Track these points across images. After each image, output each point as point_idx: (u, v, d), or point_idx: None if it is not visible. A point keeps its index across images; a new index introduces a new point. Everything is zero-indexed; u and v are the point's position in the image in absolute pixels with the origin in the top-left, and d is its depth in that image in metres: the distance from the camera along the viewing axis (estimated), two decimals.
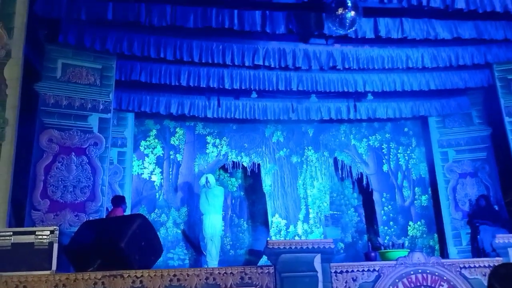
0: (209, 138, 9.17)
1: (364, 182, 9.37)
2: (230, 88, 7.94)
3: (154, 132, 8.91)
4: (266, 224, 8.97)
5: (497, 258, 4.92)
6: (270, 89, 8.12)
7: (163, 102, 8.31)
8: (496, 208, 7.97)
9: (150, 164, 8.70)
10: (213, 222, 7.80)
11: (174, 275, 4.30)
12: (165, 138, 8.97)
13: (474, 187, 8.40)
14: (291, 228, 8.86)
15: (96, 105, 6.93)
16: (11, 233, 4.30)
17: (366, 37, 7.01)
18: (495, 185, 8.33)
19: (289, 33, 6.90)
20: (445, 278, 4.73)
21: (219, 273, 4.50)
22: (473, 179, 8.46)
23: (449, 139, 8.79)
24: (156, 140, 8.88)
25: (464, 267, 4.83)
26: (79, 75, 6.93)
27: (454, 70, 8.05)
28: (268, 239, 8.53)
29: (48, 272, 4.14)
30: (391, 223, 9.03)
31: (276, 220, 8.89)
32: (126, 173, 8.03)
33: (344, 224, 9.29)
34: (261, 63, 7.50)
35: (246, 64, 7.52)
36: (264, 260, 7.25)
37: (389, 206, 9.15)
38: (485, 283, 4.75)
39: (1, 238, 4.21)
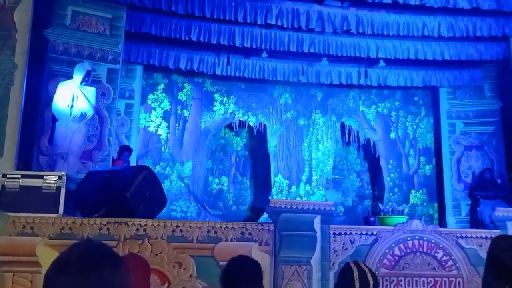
0: (216, 96, 9.14)
1: (371, 148, 9.39)
2: (240, 46, 7.84)
3: (162, 86, 8.88)
4: (268, 183, 9.10)
5: (494, 231, 4.99)
6: (281, 50, 8.01)
7: (172, 56, 8.23)
8: (499, 182, 8.00)
9: (157, 117, 8.74)
10: None
11: (177, 226, 4.41)
12: (172, 93, 8.95)
13: (478, 160, 8.41)
14: (293, 188, 8.99)
15: (105, 55, 6.88)
16: (20, 175, 4.40)
17: (383, 2, 6.83)
18: (500, 159, 8.33)
19: None
20: (441, 246, 4.82)
21: (220, 227, 4.61)
22: (479, 152, 8.45)
23: (458, 111, 8.71)
24: (164, 94, 8.87)
25: (461, 237, 4.91)
26: (89, 24, 6.84)
27: (470, 41, 7.86)
28: (270, 198, 8.70)
29: (55, 215, 4.26)
30: (395, 189, 9.13)
31: (278, 180, 9.00)
32: (133, 125, 8.08)
33: (345, 189, 9.40)
34: (273, 22, 7.37)
35: (258, 22, 7.39)
36: (264, 217, 7.40)
37: (395, 173, 9.22)
38: (481, 253, 4.84)
39: (10, 180, 4.31)
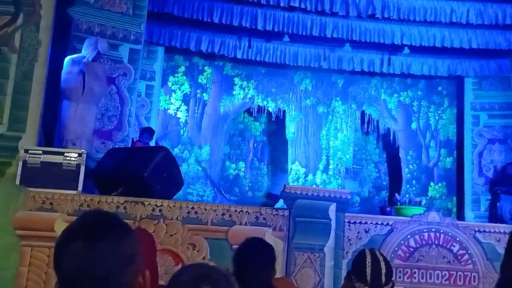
0: (236, 80, 9.10)
1: (391, 138, 9.24)
2: (262, 30, 7.76)
3: (182, 68, 8.89)
4: (285, 170, 9.07)
5: None
6: (304, 34, 7.91)
7: (194, 39, 8.20)
8: None
9: (176, 100, 8.77)
10: None
11: (192, 208, 4.46)
12: (193, 76, 8.95)
13: (502, 154, 8.18)
14: (310, 176, 8.94)
15: (127, 35, 6.89)
16: (41, 152, 4.49)
17: None
18: None
19: None
20: (457, 239, 4.75)
21: (235, 210, 4.64)
22: (502, 145, 8.21)
23: (482, 102, 8.47)
24: (184, 77, 8.87)
25: (479, 231, 4.83)
26: (112, 2, 6.84)
27: (499, 29, 7.58)
28: (287, 184, 8.69)
29: (74, 192, 4.35)
30: (413, 181, 8.99)
31: (295, 168, 8.97)
32: (153, 107, 8.13)
33: (363, 179, 9.31)
34: (297, 5, 7.26)
35: (281, 5, 7.30)
36: (280, 204, 7.39)
37: (414, 165, 9.06)
38: (498, 249, 4.75)
39: (32, 155, 4.41)
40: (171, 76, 8.80)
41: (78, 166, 4.45)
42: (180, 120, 8.73)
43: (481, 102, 8.50)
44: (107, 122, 6.41)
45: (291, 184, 8.75)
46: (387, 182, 9.28)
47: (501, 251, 4.83)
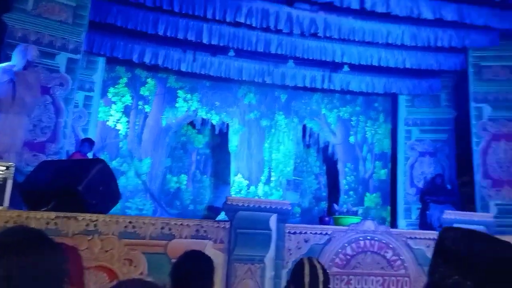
0: (180, 92, 9.03)
1: (330, 151, 9.55)
2: (207, 44, 7.78)
3: (124, 80, 8.69)
4: (228, 182, 9.08)
5: None
6: (249, 50, 8.02)
7: (137, 50, 8.05)
8: (449, 188, 8.34)
9: (117, 112, 8.53)
10: None
11: (130, 222, 4.32)
12: (135, 87, 8.77)
13: (431, 166, 8.73)
14: (252, 188, 9.01)
15: (66, 44, 6.66)
16: None
17: (351, 8, 6.97)
18: (451, 166, 8.69)
19: None
20: (391, 246, 4.96)
21: (175, 223, 4.55)
22: (432, 158, 8.78)
23: (415, 118, 9.02)
24: (126, 89, 8.67)
25: (410, 238, 5.08)
26: (51, 10, 6.60)
27: (431, 51, 8.15)
28: (229, 196, 8.68)
29: (0, 207, 4.07)
30: (351, 192, 9.32)
31: (238, 180, 9.00)
32: (91, 118, 7.85)
33: (303, 190, 9.52)
34: (242, 21, 7.37)
35: (227, 20, 7.37)
36: (222, 216, 7.37)
37: (352, 176, 9.41)
38: (428, 254, 5.02)
39: None
40: (111, 87, 8.57)
41: (4, 180, 4.17)
42: (119, 132, 8.49)
43: (413, 118, 9.04)
44: (39, 133, 6.11)
45: (233, 196, 8.78)
46: (327, 193, 9.57)
47: (430, 256, 5.13)
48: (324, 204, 9.42)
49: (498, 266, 1.03)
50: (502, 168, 7.51)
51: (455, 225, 5.09)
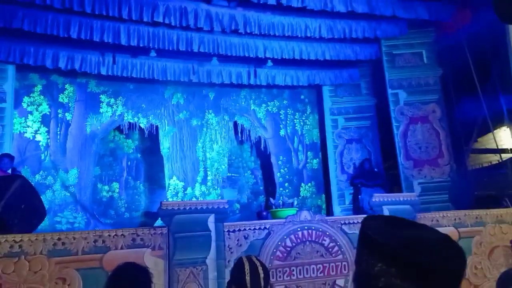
0: (103, 97, 8.63)
1: (262, 145, 9.68)
2: (127, 45, 7.49)
3: (39, 87, 8.12)
4: (163, 186, 8.87)
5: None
6: (171, 49, 7.83)
7: (50, 55, 7.54)
8: (376, 171, 8.82)
9: (34, 122, 7.95)
10: None
11: (59, 239, 4.07)
12: (52, 95, 8.23)
13: (358, 152, 9.18)
14: (189, 190, 8.88)
15: None
16: None
17: (268, 3, 7.06)
18: (376, 150, 9.20)
19: None
20: (327, 233, 5.15)
21: (109, 235, 4.36)
22: (358, 144, 9.22)
23: (339, 107, 9.41)
24: (42, 97, 8.11)
25: (345, 223, 5.31)
26: None
27: (347, 43, 8.50)
28: (164, 200, 8.49)
29: None
30: (286, 184, 9.51)
31: (173, 183, 8.82)
32: (6, 131, 7.26)
33: (241, 186, 9.57)
34: (161, 20, 7.17)
35: (145, 20, 7.13)
36: (159, 222, 7.20)
37: (285, 169, 9.60)
38: None
39: None
40: (26, 97, 7.97)
41: None
42: (40, 144, 7.93)
43: (338, 107, 9.43)
44: None
45: (170, 199, 8.61)
46: (263, 187, 9.70)
47: None
48: (262, 198, 9.54)
49: (417, 251, 1.07)
50: (421, 149, 8.08)
51: (384, 207, 5.42)
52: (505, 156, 8.19)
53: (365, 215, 5.47)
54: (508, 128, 8.28)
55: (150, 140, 9.08)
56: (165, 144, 8.99)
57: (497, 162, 8.56)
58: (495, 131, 8.53)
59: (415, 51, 8.42)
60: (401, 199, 5.54)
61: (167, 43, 7.71)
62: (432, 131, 8.13)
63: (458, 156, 8.18)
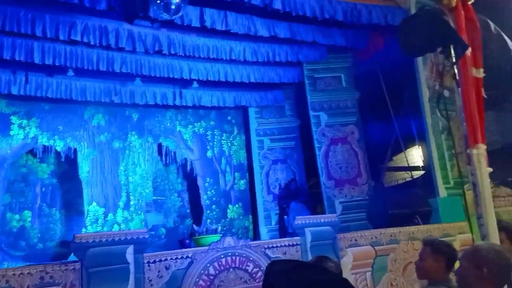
0: (14, 119, 8.01)
1: (188, 167, 9.52)
2: (41, 64, 7.05)
3: None
4: (82, 213, 8.35)
5: (295, 238, 5.56)
6: (90, 69, 7.49)
7: None
8: (302, 191, 9.04)
9: None
10: None
11: None
12: None
13: (283, 172, 9.37)
14: (110, 216, 8.45)
15: None
16: None
17: (192, 25, 7.04)
18: (300, 170, 9.44)
19: (111, 10, 6.47)
20: (251, 258, 5.13)
21: (13, 274, 3.99)
22: (283, 165, 9.42)
23: (265, 128, 9.57)
24: None
25: (268, 247, 5.33)
26: None
27: (271, 66, 8.72)
28: (83, 229, 8.01)
29: None
30: (213, 206, 9.40)
31: (93, 208, 8.35)
32: None
33: (167, 209, 9.30)
34: (79, 39, 6.85)
35: (61, 38, 6.76)
36: None
37: (212, 191, 9.50)
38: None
39: None
40: None
41: None
42: None
43: (263, 129, 9.58)
44: None
45: (89, 226, 8.16)
46: (190, 210, 9.52)
47: None
48: (189, 221, 9.32)
49: None
50: (341, 169, 8.43)
51: (306, 229, 5.53)
52: (416, 173, 8.81)
53: (286, 238, 5.52)
54: (420, 147, 8.94)
55: (68, 164, 8.55)
56: (84, 168, 8.51)
57: (410, 179, 9.17)
58: (407, 150, 9.16)
59: (334, 75, 8.84)
60: (322, 220, 5.69)
61: (86, 63, 7.38)
62: (351, 152, 8.53)
63: (375, 175, 8.65)
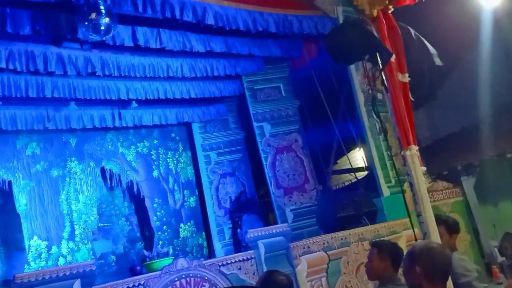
0: None
1: (135, 189, 9.24)
2: None
3: None
4: (23, 249, 7.83)
5: (249, 252, 5.55)
6: (19, 96, 7.10)
7: None
8: (252, 203, 9.05)
9: None
10: None
11: None
12: None
13: (233, 185, 9.34)
14: (54, 249, 7.99)
15: None
16: None
17: (125, 45, 6.89)
18: (249, 181, 9.46)
19: (37, 34, 6.18)
20: (206, 278, 5.05)
21: None
22: (232, 178, 9.40)
23: (210, 143, 9.50)
24: None
25: (223, 265, 5.28)
26: None
27: (210, 80, 8.70)
28: (26, 266, 7.52)
29: None
30: (164, 227, 9.17)
31: (35, 243, 7.86)
32: None
33: (115, 235, 8.93)
34: (3, 66, 6.48)
35: None
36: None
37: (162, 211, 9.27)
38: (241, 276, 5.30)
39: None
40: None
41: None
42: None
43: (209, 143, 9.51)
44: None
45: (32, 262, 7.69)
46: (140, 233, 9.21)
47: (244, 277, 5.41)
48: (140, 245, 9.01)
49: None
50: (289, 177, 8.56)
51: (259, 242, 5.53)
52: (360, 174, 9.13)
53: (240, 253, 5.51)
54: (361, 149, 9.28)
55: (3, 197, 7.99)
56: (21, 201, 8.01)
57: (355, 180, 9.48)
58: (350, 152, 9.48)
59: (273, 85, 9.00)
60: (274, 231, 5.72)
61: (14, 90, 6.99)
62: (297, 159, 8.69)
63: (322, 179, 8.86)
